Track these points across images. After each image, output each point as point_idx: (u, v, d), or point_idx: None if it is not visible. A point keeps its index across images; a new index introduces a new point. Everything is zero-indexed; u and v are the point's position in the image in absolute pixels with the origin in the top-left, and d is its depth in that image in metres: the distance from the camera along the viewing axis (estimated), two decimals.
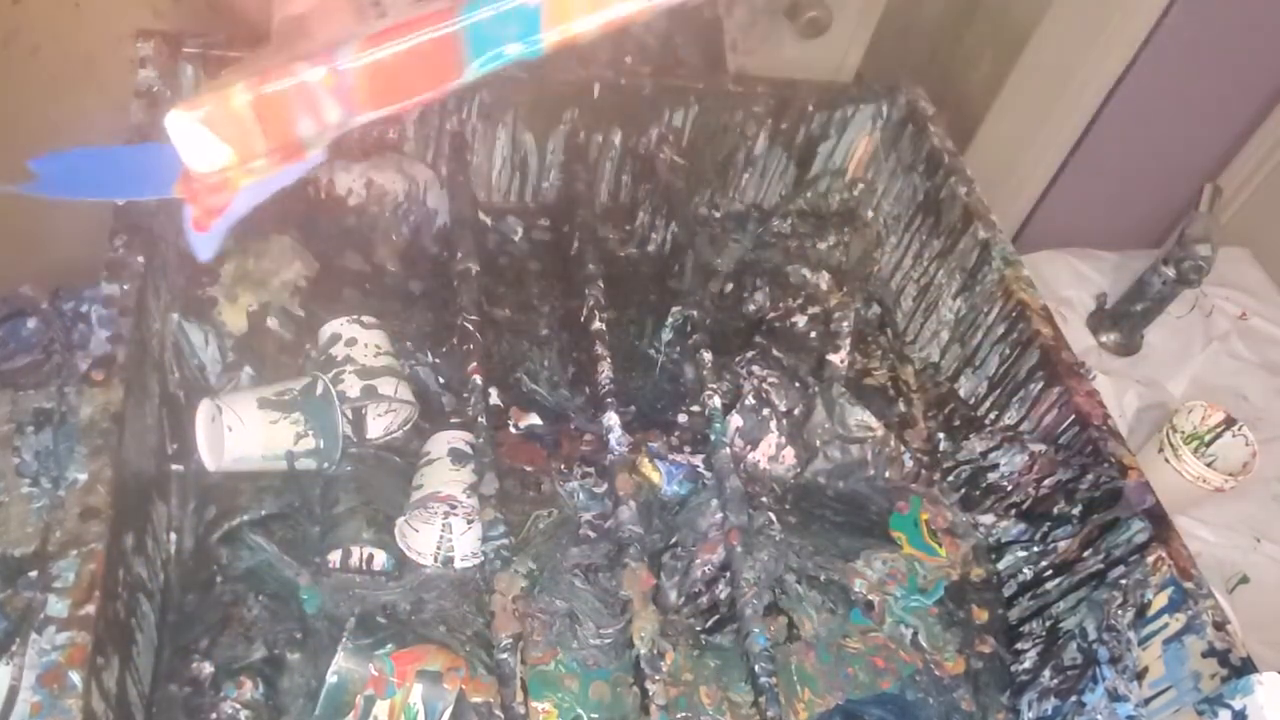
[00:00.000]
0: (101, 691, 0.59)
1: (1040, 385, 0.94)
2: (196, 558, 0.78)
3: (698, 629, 0.84)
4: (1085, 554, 0.87)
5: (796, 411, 0.97)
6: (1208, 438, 1.18)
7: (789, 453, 0.96)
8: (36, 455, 0.86)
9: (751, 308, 1.09)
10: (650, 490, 0.91)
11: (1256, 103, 1.53)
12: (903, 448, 0.99)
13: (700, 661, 0.83)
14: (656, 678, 0.76)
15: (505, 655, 0.75)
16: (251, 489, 0.81)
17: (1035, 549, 0.92)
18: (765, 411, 0.95)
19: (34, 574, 0.79)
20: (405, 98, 0.52)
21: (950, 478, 1.01)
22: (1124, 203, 1.60)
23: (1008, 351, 0.98)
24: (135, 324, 0.72)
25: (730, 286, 1.11)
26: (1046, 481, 0.92)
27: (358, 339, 0.89)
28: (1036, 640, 0.89)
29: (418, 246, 1.03)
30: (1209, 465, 1.11)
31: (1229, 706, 0.71)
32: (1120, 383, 1.34)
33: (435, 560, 0.82)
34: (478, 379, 0.88)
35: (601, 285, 1.00)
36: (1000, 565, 0.95)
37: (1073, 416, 0.91)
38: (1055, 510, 0.91)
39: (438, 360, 0.95)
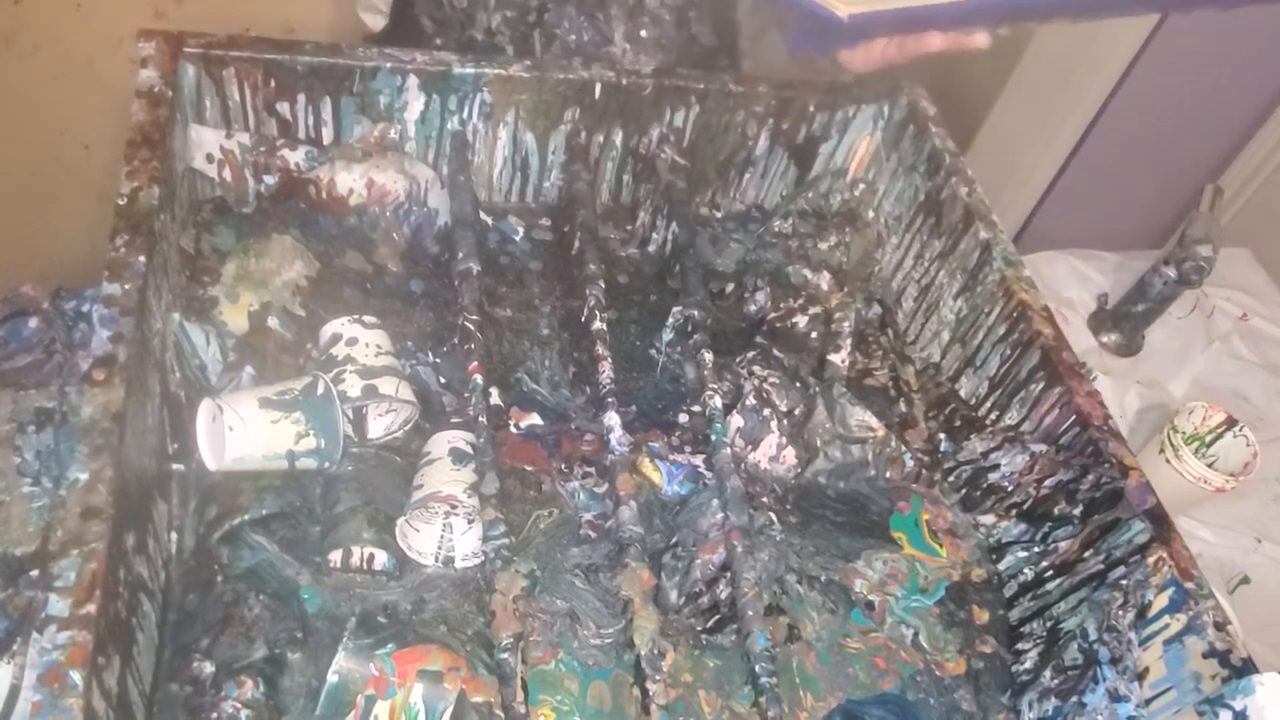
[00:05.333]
0: (102, 691, 0.59)
1: (1041, 386, 0.94)
2: (197, 557, 0.78)
3: (698, 629, 0.84)
4: (1086, 554, 0.87)
5: (797, 412, 0.97)
6: (1209, 438, 1.18)
7: (790, 453, 0.96)
8: (37, 455, 0.86)
9: (752, 308, 1.09)
10: (651, 490, 0.91)
11: (1257, 104, 1.54)
12: (903, 448, 0.99)
13: (700, 662, 0.83)
14: (657, 678, 0.77)
15: (506, 655, 0.75)
16: (252, 488, 0.81)
17: (1036, 549, 0.92)
18: (766, 412, 0.95)
19: (35, 573, 0.79)
20: None
21: (951, 478, 1.01)
22: (1125, 203, 1.60)
23: (1009, 352, 0.98)
24: (136, 324, 0.72)
25: (731, 287, 1.11)
26: (1047, 482, 0.92)
27: (359, 339, 0.89)
28: (1037, 641, 0.89)
29: (419, 246, 1.03)
30: (1210, 466, 1.11)
31: (1230, 707, 0.71)
32: (1121, 383, 1.34)
33: (436, 560, 0.82)
34: (478, 379, 0.88)
35: (602, 285, 1.00)
36: (1001, 566, 0.95)
37: (1074, 417, 0.91)
38: (1056, 511, 0.91)
39: (439, 360, 0.95)
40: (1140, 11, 0.56)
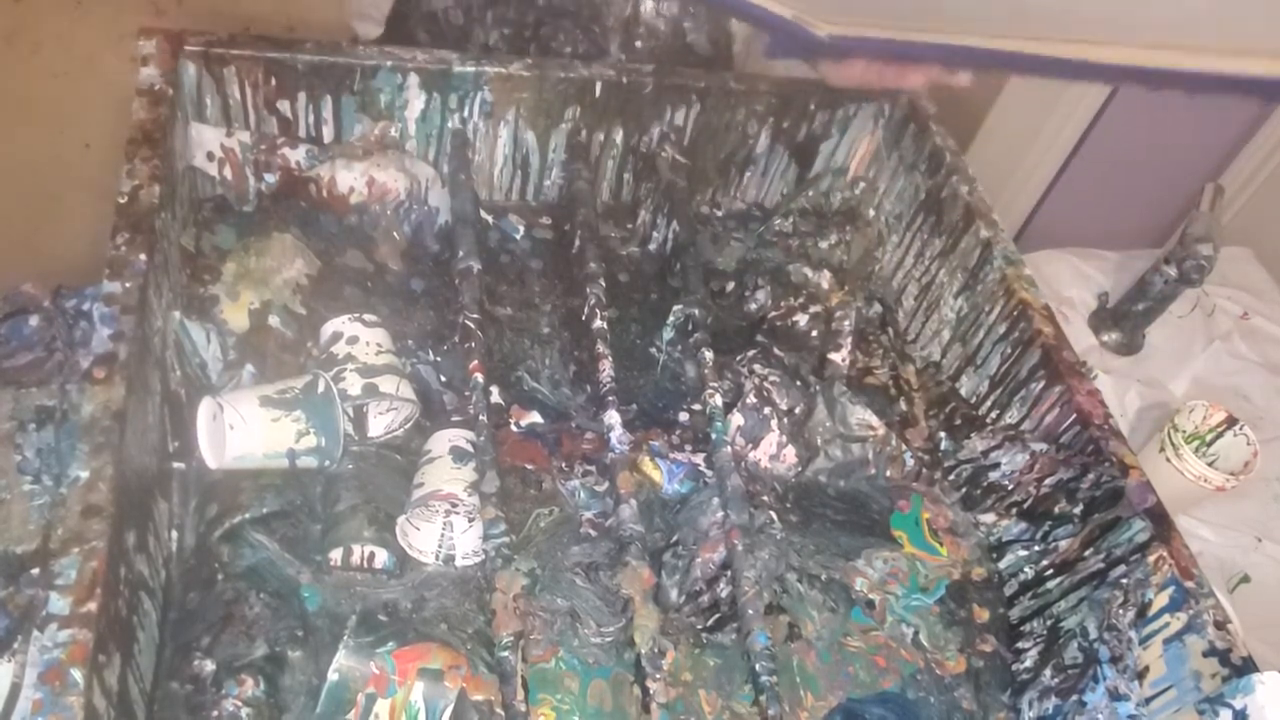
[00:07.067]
0: (103, 689, 0.59)
1: (1041, 384, 0.94)
2: (198, 555, 0.78)
3: (698, 627, 0.84)
4: (1086, 553, 0.87)
5: (798, 410, 0.97)
6: (1209, 437, 1.18)
7: (790, 451, 0.96)
8: (38, 453, 0.86)
9: (753, 306, 1.09)
10: (651, 489, 0.91)
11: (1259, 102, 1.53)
12: (904, 447, 0.99)
13: (700, 660, 0.83)
14: (657, 676, 0.77)
15: (506, 653, 0.75)
16: (253, 487, 0.81)
17: (1036, 548, 0.92)
18: (766, 410, 0.95)
19: (36, 571, 0.79)
20: None
21: (951, 477, 1.01)
22: (1125, 202, 1.60)
23: (1009, 350, 0.98)
24: (137, 322, 0.72)
25: (732, 285, 1.11)
26: (1047, 481, 0.92)
27: (359, 337, 0.89)
28: (1037, 639, 0.89)
29: (419, 245, 1.03)
30: (1210, 465, 1.11)
31: (1230, 706, 0.71)
32: (1122, 382, 1.34)
33: (436, 558, 0.82)
34: (479, 377, 0.88)
35: (603, 284, 1.00)
36: (1001, 564, 0.95)
37: (1074, 416, 0.91)
38: (1056, 509, 0.91)
39: (439, 358, 0.95)
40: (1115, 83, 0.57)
